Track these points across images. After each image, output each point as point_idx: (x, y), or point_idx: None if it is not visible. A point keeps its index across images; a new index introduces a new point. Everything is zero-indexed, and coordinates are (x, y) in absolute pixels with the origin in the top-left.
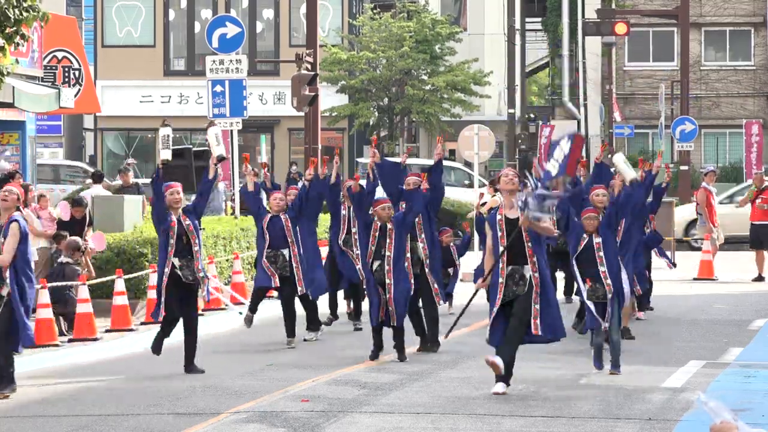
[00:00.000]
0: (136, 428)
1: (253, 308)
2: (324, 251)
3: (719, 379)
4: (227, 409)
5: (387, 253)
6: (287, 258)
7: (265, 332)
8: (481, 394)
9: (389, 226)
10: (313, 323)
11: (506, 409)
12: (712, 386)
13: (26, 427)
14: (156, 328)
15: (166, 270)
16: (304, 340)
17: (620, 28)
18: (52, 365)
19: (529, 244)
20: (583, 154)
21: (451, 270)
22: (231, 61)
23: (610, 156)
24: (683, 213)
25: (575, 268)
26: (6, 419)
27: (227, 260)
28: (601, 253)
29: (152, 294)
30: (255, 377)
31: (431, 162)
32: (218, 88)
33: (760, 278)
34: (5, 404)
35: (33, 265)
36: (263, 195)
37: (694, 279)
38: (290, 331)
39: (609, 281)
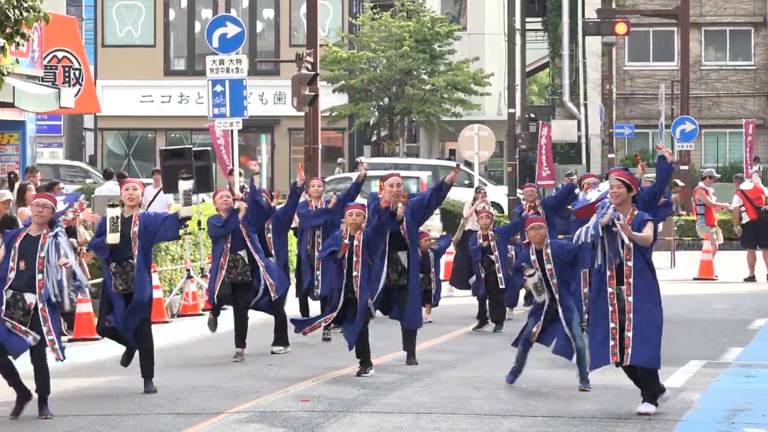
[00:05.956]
0: (136, 428)
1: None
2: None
3: (719, 379)
4: (227, 409)
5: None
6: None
7: (264, 333)
8: (481, 394)
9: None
10: (282, 340)
11: (506, 409)
12: (712, 386)
13: (26, 427)
14: (158, 328)
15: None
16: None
17: (620, 28)
18: (51, 365)
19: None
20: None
21: (431, 275)
22: (231, 61)
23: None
24: None
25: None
26: (6, 419)
27: None
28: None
29: (153, 294)
30: (255, 377)
31: (431, 162)
32: (218, 88)
33: None
34: (5, 404)
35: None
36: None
37: (694, 279)
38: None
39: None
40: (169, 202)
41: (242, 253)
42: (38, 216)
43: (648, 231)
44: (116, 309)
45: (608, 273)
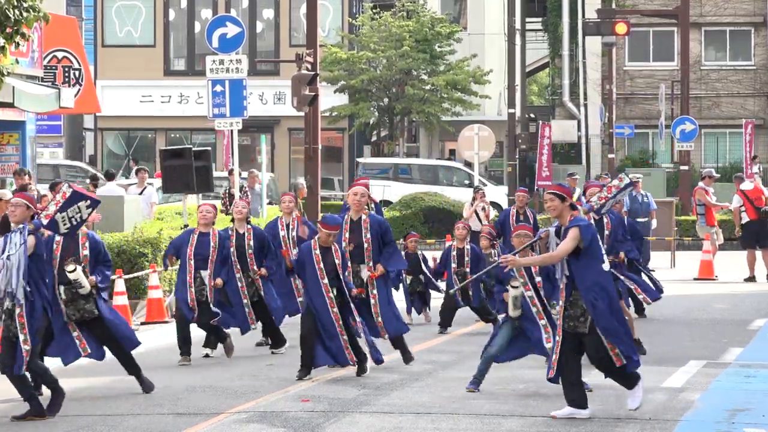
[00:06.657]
0: (136, 428)
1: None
2: None
3: (719, 379)
4: (227, 409)
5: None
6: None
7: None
8: (481, 394)
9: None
10: (279, 341)
11: (506, 409)
12: (712, 386)
13: (26, 427)
14: (157, 328)
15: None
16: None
17: (620, 28)
18: (51, 365)
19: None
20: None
21: (422, 277)
22: (231, 61)
23: None
24: None
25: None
26: (6, 420)
27: None
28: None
29: (153, 294)
30: (255, 377)
31: (431, 162)
32: (218, 88)
33: None
34: (5, 405)
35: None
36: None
37: (694, 279)
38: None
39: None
40: (152, 201)
41: (204, 273)
42: (11, 215)
43: (563, 244)
44: (55, 343)
45: (560, 286)
